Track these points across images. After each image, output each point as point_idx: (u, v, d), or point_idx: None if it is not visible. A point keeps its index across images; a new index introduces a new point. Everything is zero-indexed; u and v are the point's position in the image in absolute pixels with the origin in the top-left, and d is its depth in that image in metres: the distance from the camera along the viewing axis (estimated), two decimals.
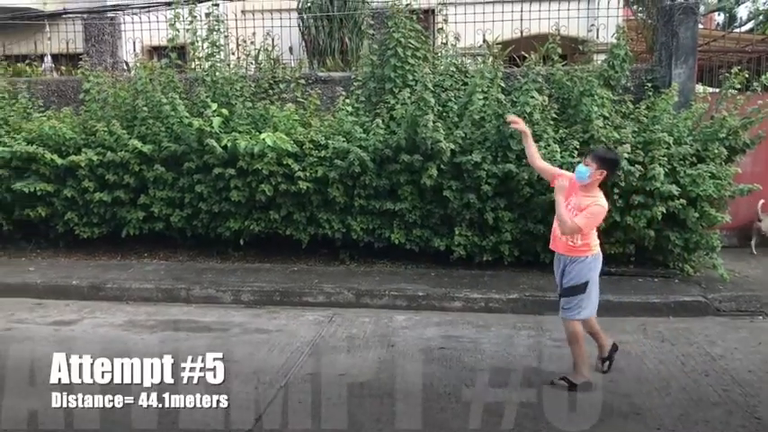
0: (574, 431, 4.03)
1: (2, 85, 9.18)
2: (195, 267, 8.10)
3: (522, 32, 9.60)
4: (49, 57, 11.69)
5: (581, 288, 4.68)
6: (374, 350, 5.50)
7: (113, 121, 8.20)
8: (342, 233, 7.91)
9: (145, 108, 8.20)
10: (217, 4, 8.82)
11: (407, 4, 8.32)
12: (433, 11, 9.61)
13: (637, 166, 7.09)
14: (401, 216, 7.72)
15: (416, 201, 7.65)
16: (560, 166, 6.99)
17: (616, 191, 7.16)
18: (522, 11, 9.58)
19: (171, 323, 6.38)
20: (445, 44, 8.78)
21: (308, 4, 10.93)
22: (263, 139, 7.57)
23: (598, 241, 4.80)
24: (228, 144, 7.69)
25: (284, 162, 7.67)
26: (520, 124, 5.06)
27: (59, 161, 8.13)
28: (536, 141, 7.11)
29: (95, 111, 8.59)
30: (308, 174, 7.68)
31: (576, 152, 7.14)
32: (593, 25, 9.45)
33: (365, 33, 8.88)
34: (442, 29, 8.90)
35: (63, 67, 11.11)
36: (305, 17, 10.86)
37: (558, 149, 7.08)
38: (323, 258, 8.30)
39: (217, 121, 7.89)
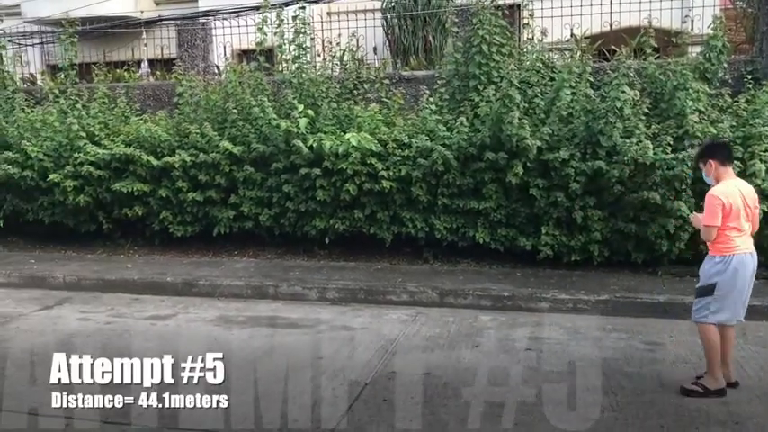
0: None
1: (102, 91, 9.66)
2: (282, 265, 8.28)
3: (611, 26, 9.33)
4: (146, 62, 12.22)
5: (707, 289, 4.46)
6: (458, 350, 5.46)
7: (205, 123, 8.50)
8: (425, 232, 7.89)
9: (235, 110, 8.45)
10: (303, 7, 8.99)
11: (492, 1, 8.22)
12: (518, 6, 9.46)
13: (736, 162, 6.75)
14: (485, 215, 7.63)
15: (501, 199, 7.55)
16: (653, 163, 6.79)
17: None
18: (611, 3, 9.31)
19: (260, 319, 6.54)
20: (531, 40, 8.63)
21: (392, 4, 10.97)
22: (348, 140, 7.65)
23: (738, 243, 4.43)
24: (314, 144, 7.82)
25: (368, 161, 7.73)
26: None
27: (155, 162, 8.47)
28: (627, 137, 6.93)
29: (188, 114, 8.91)
30: (391, 173, 7.71)
31: (669, 148, 6.86)
32: (687, 16, 9.08)
33: (449, 31, 8.83)
34: (527, 24, 8.77)
35: (158, 72, 11.58)
36: (389, 17, 10.91)
37: (651, 146, 6.82)
38: (406, 257, 8.31)
39: (303, 122, 8.03)
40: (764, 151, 6.81)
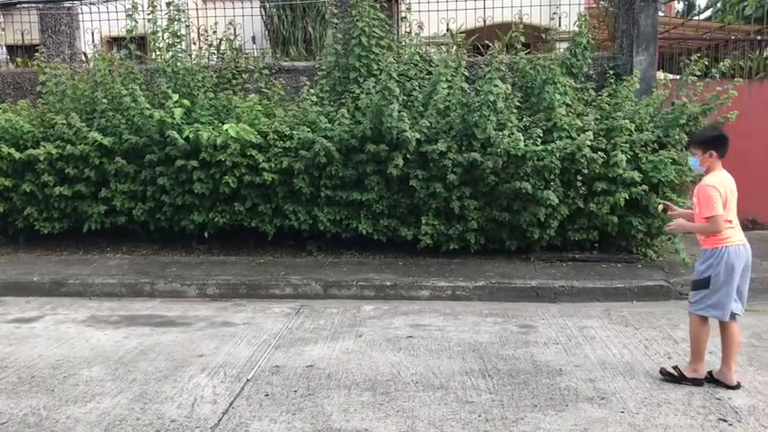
0: (540, 416, 4.05)
1: None
2: (159, 261, 7.99)
3: (485, 21, 9.62)
4: (4, 48, 11.41)
5: (702, 283, 4.43)
6: (342, 341, 5.48)
7: (72, 113, 8.05)
8: (308, 224, 7.87)
9: (104, 100, 8.06)
10: None
11: None
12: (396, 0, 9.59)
13: (599, 153, 7.17)
14: (368, 206, 7.70)
15: (383, 191, 7.64)
16: (524, 155, 7.08)
17: (579, 178, 7.25)
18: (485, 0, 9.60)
19: (135, 318, 6.29)
20: (409, 33, 8.76)
21: None
22: (226, 131, 7.49)
23: (729, 234, 4.36)
24: (191, 135, 7.59)
25: (248, 153, 7.60)
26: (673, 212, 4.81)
27: (17, 155, 7.95)
28: (500, 130, 7.18)
29: (53, 103, 8.42)
30: (272, 165, 7.62)
31: (539, 140, 7.18)
32: (555, 13, 9.51)
33: (329, 22, 8.81)
34: (405, 17, 8.89)
35: (19, 59, 10.84)
36: (267, 6, 10.75)
37: (522, 137, 7.12)
38: (290, 250, 8.26)
39: (178, 112, 7.78)
40: (625, 142, 7.27)
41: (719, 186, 4.33)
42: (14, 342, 5.58)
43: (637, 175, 7.13)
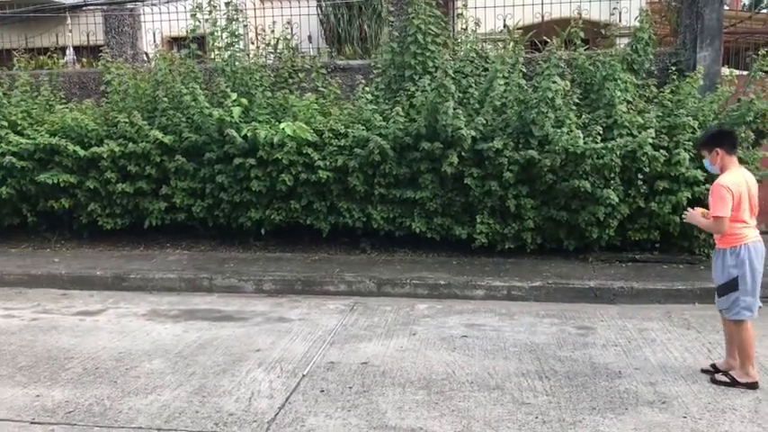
0: (599, 419, 3.97)
1: (24, 78, 9.25)
2: (217, 257, 8.14)
3: (542, 17, 9.49)
4: (71, 49, 11.77)
5: (731, 286, 4.39)
6: (396, 339, 5.48)
7: (134, 112, 8.25)
8: (362, 222, 7.89)
9: (165, 99, 8.24)
10: None
11: None
12: None
13: (661, 151, 7.00)
14: (422, 204, 7.67)
15: (437, 189, 7.60)
16: (583, 152, 6.95)
17: (640, 176, 7.08)
18: None
19: (194, 312, 6.41)
20: (465, 30, 8.69)
21: None
22: (283, 129, 7.57)
23: (746, 233, 4.38)
24: (248, 134, 7.69)
25: (304, 151, 7.67)
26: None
27: (82, 152, 8.19)
28: (558, 127, 7.07)
29: (116, 102, 8.65)
30: (327, 163, 7.66)
31: (599, 137, 7.04)
32: (615, 8, 9.31)
33: (385, 20, 8.82)
34: (461, 14, 8.82)
35: (84, 59, 11.18)
36: (323, 5, 10.83)
37: (581, 135, 6.99)
38: (344, 247, 8.30)
39: (237, 110, 7.90)
40: (688, 140, 7.06)
41: (733, 187, 4.30)
42: (79, 334, 5.76)
43: (700, 174, 6.93)
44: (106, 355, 5.21)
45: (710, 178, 6.92)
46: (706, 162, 4.58)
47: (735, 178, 4.36)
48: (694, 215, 4.60)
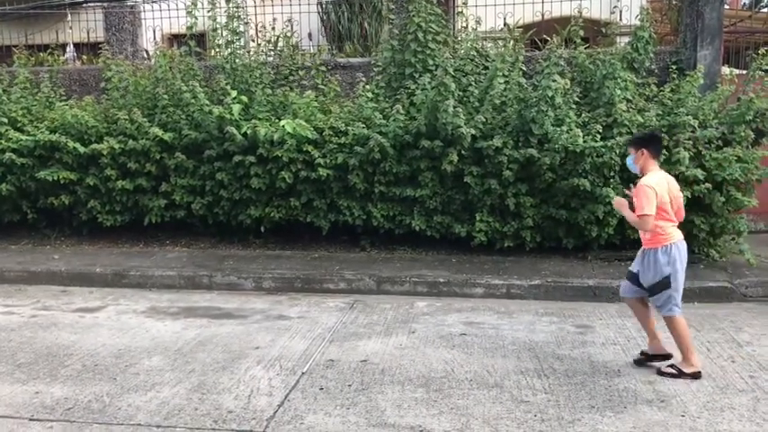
0: (597, 418, 3.98)
1: (24, 75, 9.25)
2: (217, 254, 8.15)
3: (543, 15, 9.49)
4: (71, 46, 11.77)
5: (664, 284, 4.55)
6: (395, 336, 5.49)
7: (134, 109, 8.26)
8: (362, 220, 7.89)
9: (165, 96, 8.24)
10: None
11: None
12: None
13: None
14: (422, 202, 7.68)
15: (437, 187, 7.61)
16: (583, 151, 6.96)
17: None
18: None
19: (194, 310, 6.42)
20: (465, 28, 8.69)
21: None
22: (283, 126, 7.57)
23: (671, 232, 4.57)
24: (248, 131, 7.70)
25: (304, 149, 7.67)
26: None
27: (82, 149, 8.19)
28: (558, 125, 7.08)
29: (116, 99, 8.65)
30: (327, 161, 7.67)
31: (598, 136, 7.04)
32: (615, 7, 9.31)
33: (385, 18, 8.81)
34: (461, 12, 8.82)
35: (84, 56, 11.18)
36: (324, 3, 10.82)
37: (581, 134, 6.99)
38: (343, 245, 8.30)
39: (236, 108, 7.90)
40: (688, 139, 7.06)
41: (656, 186, 4.50)
42: (79, 331, 5.77)
43: (700, 173, 6.92)
44: (105, 351, 5.22)
45: (710, 177, 6.98)
46: (629, 159, 4.79)
47: (657, 179, 4.58)
48: (622, 202, 4.76)
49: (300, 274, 7.20)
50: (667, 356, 4.69)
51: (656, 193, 4.47)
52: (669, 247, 4.54)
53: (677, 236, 4.60)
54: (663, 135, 4.94)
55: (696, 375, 4.54)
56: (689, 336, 4.65)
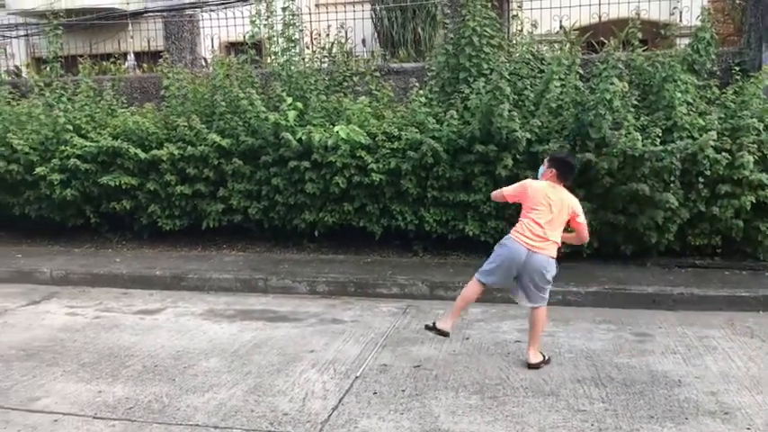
0: (657, 428, 3.88)
1: (88, 84, 9.55)
2: (272, 258, 8.25)
3: (600, 18, 9.33)
4: (132, 55, 12.14)
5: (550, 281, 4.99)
6: (448, 342, 5.45)
7: (193, 116, 8.44)
8: (415, 225, 7.88)
9: (223, 103, 8.40)
10: None
11: None
12: None
13: (723, 153, 6.79)
14: (475, 207, 7.62)
15: (491, 192, 7.52)
16: (642, 155, 6.80)
17: (701, 180, 6.90)
18: None
19: (250, 312, 6.52)
20: (521, 31, 8.61)
21: None
22: (337, 132, 7.63)
23: (518, 225, 5.00)
24: (303, 137, 7.78)
25: (357, 154, 7.70)
26: None
27: (143, 155, 8.40)
28: (616, 129, 6.95)
29: (176, 106, 8.84)
30: (380, 166, 7.69)
31: (658, 140, 6.88)
32: (675, 8, 9.09)
33: (440, 23, 8.80)
34: (516, 16, 8.75)
35: (145, 65, 11.50)
36: (377, 8, 10.88)
37: (640, 137, 6.83)
38: (396, 250, 8.30)
39: (292, 114, 8.00)
40: (752, 143, 6.84)
41: (533, 183, 5.01)
42: (139, 332, 5.92)
43: (765, 178, 6.70)
44: (165, 353, 5.35)
45: None
46: (540, 168, 5.13)
47: (544, 185, 4.93)
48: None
49: (353, 278, 7.24)
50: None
51: (527, 187, 4.95)
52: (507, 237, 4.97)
53: (516, 231, 4.92)
54: (576, 164, 5.33)
55: (545, 361, 4.90)
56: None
